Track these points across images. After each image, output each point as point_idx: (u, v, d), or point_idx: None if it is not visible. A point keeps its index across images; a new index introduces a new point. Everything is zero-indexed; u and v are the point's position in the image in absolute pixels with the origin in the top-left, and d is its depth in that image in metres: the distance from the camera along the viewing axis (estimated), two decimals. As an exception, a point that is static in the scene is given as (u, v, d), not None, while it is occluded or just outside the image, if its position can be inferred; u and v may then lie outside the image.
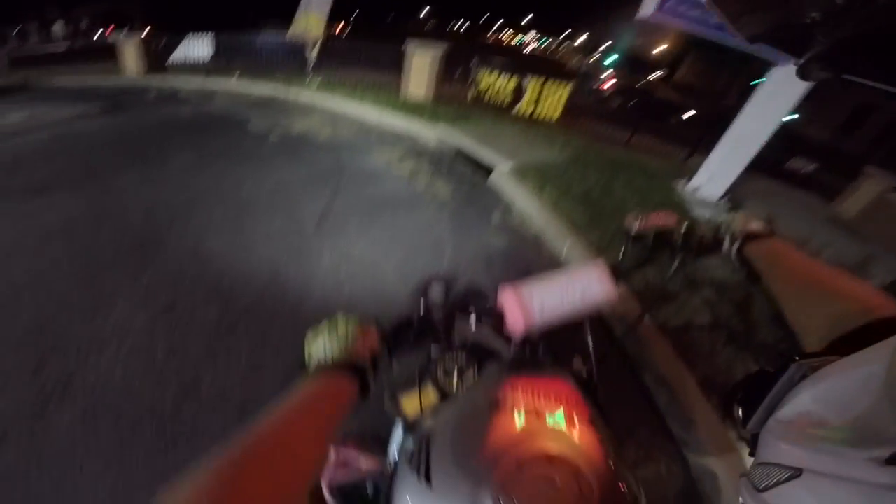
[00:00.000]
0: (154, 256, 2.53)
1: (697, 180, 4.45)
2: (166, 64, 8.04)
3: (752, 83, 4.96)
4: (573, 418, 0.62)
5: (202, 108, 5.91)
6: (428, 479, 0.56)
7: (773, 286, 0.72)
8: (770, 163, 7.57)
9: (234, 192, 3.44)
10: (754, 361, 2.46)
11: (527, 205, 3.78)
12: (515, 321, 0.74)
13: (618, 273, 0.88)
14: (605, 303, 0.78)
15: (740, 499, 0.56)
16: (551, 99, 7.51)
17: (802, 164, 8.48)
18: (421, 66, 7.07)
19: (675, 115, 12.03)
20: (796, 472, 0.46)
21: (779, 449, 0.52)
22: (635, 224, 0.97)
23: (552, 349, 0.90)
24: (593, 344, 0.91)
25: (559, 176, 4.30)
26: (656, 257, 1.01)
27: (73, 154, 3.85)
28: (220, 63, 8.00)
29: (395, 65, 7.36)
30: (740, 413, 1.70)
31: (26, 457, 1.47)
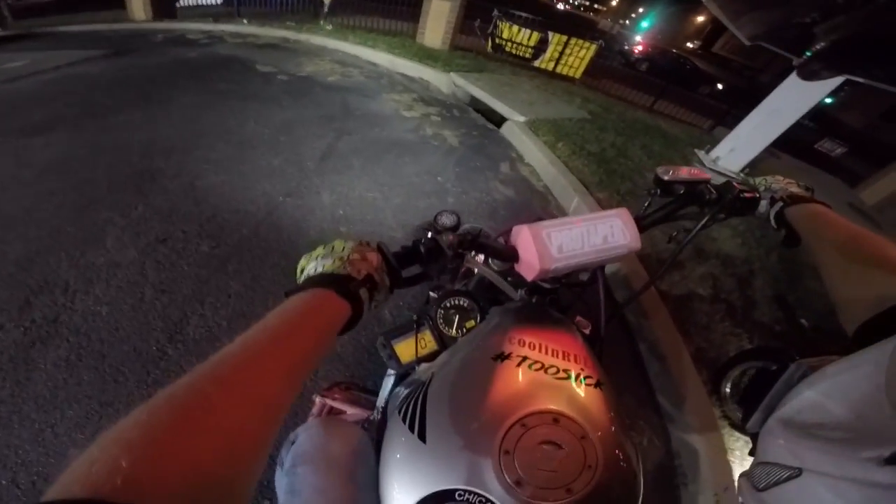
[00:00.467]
0: (149, 190, 2.46)
1: (719, 150, 4.25)
2: (175, 9, 7.72)
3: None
4: (580, 378, 0.57)
5: (210, 50, 5.68)
6: (422, 434, 0.50)
7: (817, 251, 0.67)
8: (797, 142, 7.22)
9: (236, 129, 3.33)
10: (749, 339, 2.40)
11: (537, 158, 3.64)
12: (530, 262, 0.65)
13: (641, 224, 0.81)
14: (628, 252, 0.70)
15: (740, 498, 0.56)
16: (575, 56, 7.15)
17: (832, 147, 8.10)
18: (439, 12, 6.69)
19: (705, 85, 11.52)
20: (796, 472, 0.46)
21: (779, 449, 0.52)
22: (667, 173, 0.88)
23: (559, 300, 0.83)
24: (604, 300, 0.81)
25: (574, 133, 4.12)
26: (684, 211, 0.93)
27: (73, 95, 3.72)
28: (231, 8, 7.66)
29: (413, 11, 7.00)
30: (727, 389, 1.69)
31: (6, 404, 1.42)
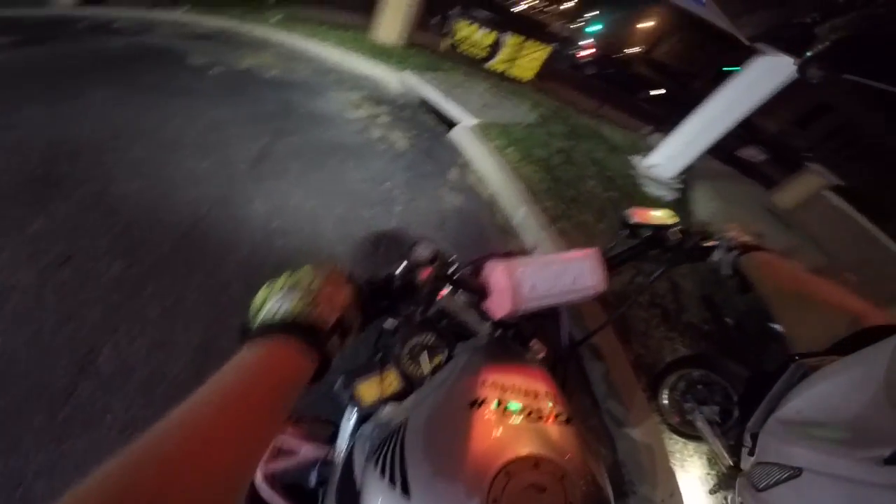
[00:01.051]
0: (50, 200, 2.17)
1: (655, 158, 4.47)
2: (106, -7, 6.92)
3: (724, 69, 4.92)
4: (553, 416, 0.59)
5: (137, 39, 5.16)
6: (405, 488, 0.49)
7: (769, 297, 0.73)
8: (723, 148, 7.81)
9: (158, 128, 3.03)
10: (682, 342, 2.53)
11: (486, 164, 3.64)
12: (501, 301, 0.66)
13: (610, 264, 0.84)
14: (594, 294, 0.73)
15: (739, 498, 0.56)
16: (528, 59, 7.25)
17: (754, 154, 8.79)
18: (397, 6, 6.51)
19: (646, 91, 12.08)
20: (796, 472, 0.46)
21: (778, 449, 0.52)
22: (633, 217, 0.95)
23: (522, 332, 0.83)
24: (566, 334, 0.85)
25: (523, 138, 4.17)
26: (648, 253, 0.98)
27: (-34, 88, 3.24)
28: (170, -7, 6.98)
29: (368, 3, 6.77)
30: (665, 395, 1.72)
31: None
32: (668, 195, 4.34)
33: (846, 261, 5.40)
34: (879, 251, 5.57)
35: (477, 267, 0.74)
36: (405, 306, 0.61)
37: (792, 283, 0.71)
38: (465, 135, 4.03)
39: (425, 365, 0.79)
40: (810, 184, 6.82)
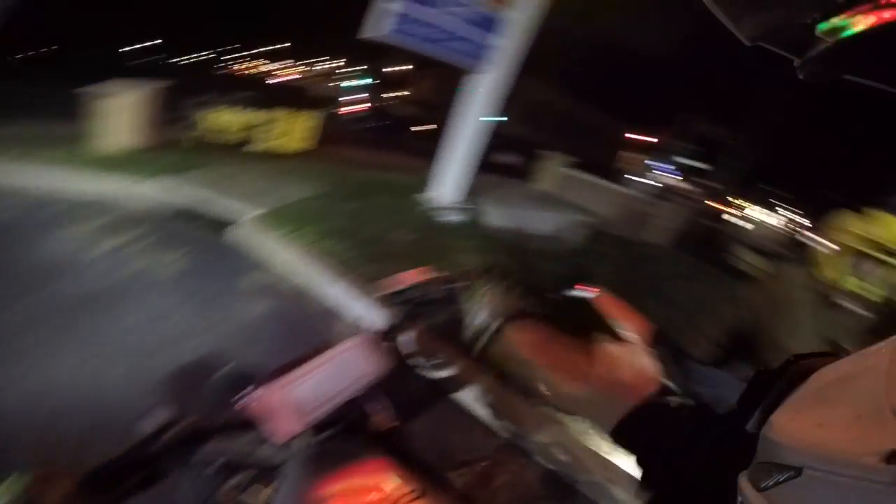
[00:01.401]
0: None
1: (438, 190, 5.00)
2: None
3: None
4: (405, 499, 0.57)
5: None
6: None
7: (527, 370, 0.75)
8: (488, 160, 9.36)
9: None
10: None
11: (281, 256, 3.46)
12: (282, 425, 0.62)
13: (389, 335, 0.83)
14: (377, 378, 0.73)
15: (739, 499, 0.53)
16: (298, 129, 7.21)
17: (510, 158, 10.76)
18: (119, 110, 5.64)
19: (416, 130, 13.52)
20: (796, 472, 0.45)
21: (778, 448, 0.50)
22: (391, 286, 0.93)
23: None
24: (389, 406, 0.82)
25: (314, 214, 4.12)
26: (423, 315, 0.95)
27: None
28: None
29: (84, 112, 5.65)
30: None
31: None
32: (462, 217, 4.91)
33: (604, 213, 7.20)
34: (607, 194, 7.75)
35: (244, 399, 0.68)
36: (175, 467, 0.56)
37: (551, 356, 0.75)
38: (247, 232, 3.76)
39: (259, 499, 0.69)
40: (552, 165, 8.76)
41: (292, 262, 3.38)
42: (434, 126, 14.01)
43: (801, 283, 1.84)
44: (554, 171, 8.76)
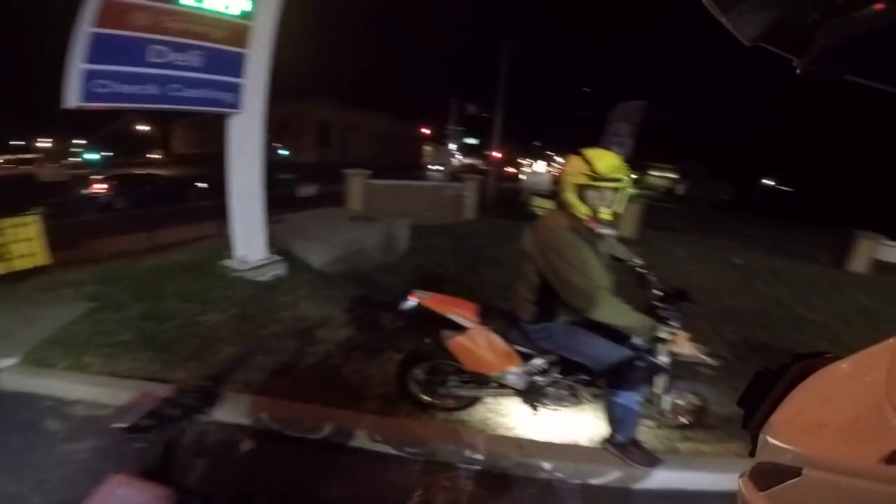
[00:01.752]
0: None
1: (239, 249, 4.58)
2: None
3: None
4: None
5: None
6: None
7: None
8: (284, 198, 8.90)
9: None
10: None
11: (72, 393, 2.74)
12: None
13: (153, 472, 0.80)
14: None
15: (739, 499, 0.55)
16: (23, 241, 5.53)
17: (309, 189, 10.52)
18: None
19: (191, 191, 11.79)
20: (796, 472, 0.45)
21: (779, 449, 0.51)
22: (121, 419, 0.88)
23: None
24: None
25: (92, 335, 3.31)
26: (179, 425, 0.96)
27: None
28: None
29: None
30: (414, 380, 2.46)
31: None
32: (272, 273, 4.57)
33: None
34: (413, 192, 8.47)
35: None
36: None
37: None
38: (16, 381, 2.85)
39: None
40: (356, 182, 8.95)
41: (86, 395, 2.71)
42: (206, 184, 11.97)
43: (561, 222, 1.95)
44: (360, 186, 8.96)
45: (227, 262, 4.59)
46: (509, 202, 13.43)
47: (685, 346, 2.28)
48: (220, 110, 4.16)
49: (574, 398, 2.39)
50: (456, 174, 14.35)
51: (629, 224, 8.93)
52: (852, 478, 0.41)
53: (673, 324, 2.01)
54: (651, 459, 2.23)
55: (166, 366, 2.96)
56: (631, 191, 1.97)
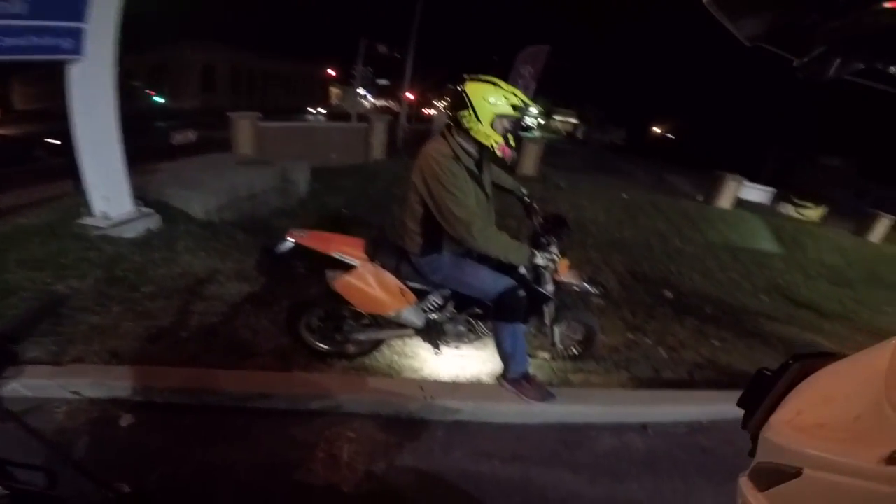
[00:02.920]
0: None
1: (100, 205, 3.88)
2: None
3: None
4: None
5: None
6: None
7: None
8: (160, 146, 7.77)
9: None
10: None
11: None
12: None
13: None
14: None
15: (739, 499, 0.54)
16: None
17: (187, 135, 9.24)
18: None
19: (39, 149, 9.80)
20: (796, 472, 0.45)
21: (779, 449, 0.51)
22: None
23: None
24: None
25: None
26: None
27: None
28: None
29: None
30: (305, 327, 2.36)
31: None
32: (142, 227, 3.99)
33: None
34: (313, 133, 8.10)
35: None
36: None
37: None
38: None
39: None
40: (243, 125, 8.04)
41: None
42: (58, 141, 9.87)
43: (444, 152, 1.90)
44: (248, 129, 8.04)
45: (85, 221, 3.88)
46: (424, 142, 13.18)
47: (568, 275, 2.36)
48: (58, 57, 3.39)
49: (473, 333, 2.41)
50: (365, 115, 13.65)
51: (531, 162, 9.30)
52: (852, 478, 0.41)
53: (553, 250, 2.08)
54: (544, 394, 2.27)
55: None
56: (541, 120, 1.97)
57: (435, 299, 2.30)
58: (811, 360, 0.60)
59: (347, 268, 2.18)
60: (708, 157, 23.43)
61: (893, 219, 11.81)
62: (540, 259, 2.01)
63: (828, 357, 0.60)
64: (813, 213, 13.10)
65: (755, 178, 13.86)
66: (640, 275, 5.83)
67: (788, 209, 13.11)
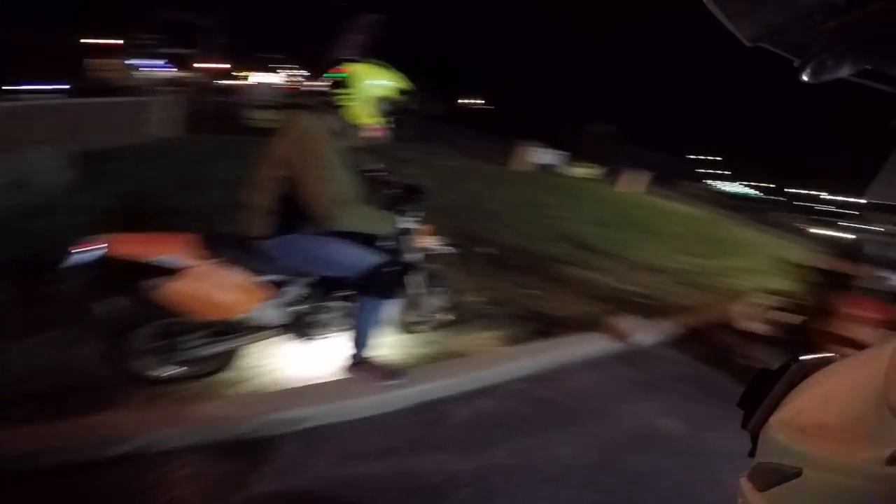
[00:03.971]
0: None
1: None
2: None
3: None
4: None
5: None
6: None
7: None
8: None
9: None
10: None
11: None
12: None
13: None
14: None
15: (739, 499, 0.54)
16: None
17: None
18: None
19: None
20: (796, 472, 0.45)
21: (779, 449, 0.51)
22: None
23: None
24: None
25: None
26: None
27: None
28: None
29: None
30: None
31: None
32: None
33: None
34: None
35: None
36: None
37: None
38: None
39: None
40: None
41: None
42: None
43: (321, 129, 1.87)
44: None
45: None
46: (229, 116, 11.62)
47: (429, 241, 2.38)
48: None
49: (348, 318, 2.19)
50: (152, 88, 11.33)
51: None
52: (852, 478, 0.41)
53: (415, 215, 2.14)
54: (391, 374, 2.20)
55: None
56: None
57: (295, 289, 2.04)
58: (811, 361, 0.60)
59: (174, 272, 1.76)
60: (516, 125, 26.88)
61: (648, 174, 15.69)
62: (405, 223, 2.09)
63: (828, 358, 0.61)
64: (591, 171, 16.37)
65: (552, 144, 16.47)
66: (466, 234, 6.34)
67: (574, 170, 16.05)
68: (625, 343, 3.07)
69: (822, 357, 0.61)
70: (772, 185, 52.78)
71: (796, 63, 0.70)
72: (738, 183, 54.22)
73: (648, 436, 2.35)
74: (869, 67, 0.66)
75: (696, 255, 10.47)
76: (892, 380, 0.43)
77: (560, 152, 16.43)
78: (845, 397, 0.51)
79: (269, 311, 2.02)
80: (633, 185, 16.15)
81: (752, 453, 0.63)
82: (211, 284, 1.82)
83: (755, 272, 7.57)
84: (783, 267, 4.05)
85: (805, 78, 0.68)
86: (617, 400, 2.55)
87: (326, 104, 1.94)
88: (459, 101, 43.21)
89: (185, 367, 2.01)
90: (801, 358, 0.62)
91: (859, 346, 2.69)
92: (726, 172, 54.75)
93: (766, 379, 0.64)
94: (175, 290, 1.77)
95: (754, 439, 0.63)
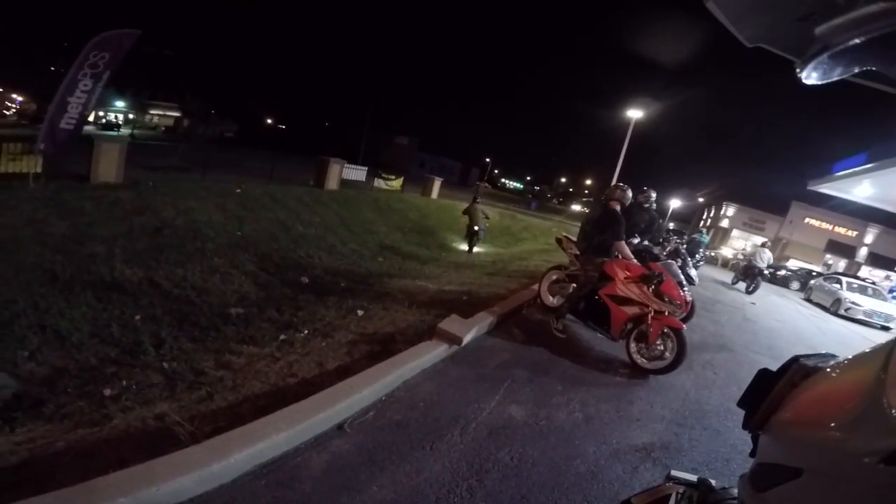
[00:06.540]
0: None
1: None
2: None
3: None
4: None
5: None
6: None
7: None
8: None
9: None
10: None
11: None
12: None
13: None
14: None
15: (739, 500, 0.57)
16: None
17: None
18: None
19: None
20: (796, 472, 0.45)
21: (779, 449, 0.52)
22: None
23: None
24: None
25: None
26: None
27: None
28: None
29: None
30: None
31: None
32: None
33: None
34: None
35: None
36: None
37: None
38: None
39: None
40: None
41: None
42: None
43: None
44: None
45: None
46: None
47: None
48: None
49: None
50: None
51: (110, 167, 7.21)
52: (852, 478, 0.41)
53: None
54: None
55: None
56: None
57: None
58: (811, 361, 0.60)
59: None
60: (315, 143, 26.08)
61: (440, 179, 17.12)
62: None
63: (828, 358, 0.61)
64: (396, 182, 17.03)
65: (353, 160, 16.47)
66: (273, 269, 5.69)
67: (380, 183, 16.44)
68: (452, 344, 3.15)
69: (823, 358, 0.63)
70: (528, 178, 67.43)
71: (796, 63, 0.70)
72: (514, 179, 67.71)
73: (505, 428, 2.42)
74: (869, 67, 0.67)
75: (498, 246, 12.00)
76: (892, 380, 0.44)
77: (364, 167, 16.62)
78: (845, 398, 0.52)
79: None
80: (435, 191, 17.59)
81: (752, 453, 0.64)
82: None
83: (547, 251, 9.08)
84: (556, 244, 4.90)
85: (805, 78, 0.68)
86: (463, 402, 2.57)
87: None
88: (253, 120, 39.52)
89: None
90: (800, 358, 0.63)
91: (636, 303, 3.39)
92: (505, 171, 67.00)
93: (766, 379, 0.64)
94: None
95: (755, 439, 0.64)
